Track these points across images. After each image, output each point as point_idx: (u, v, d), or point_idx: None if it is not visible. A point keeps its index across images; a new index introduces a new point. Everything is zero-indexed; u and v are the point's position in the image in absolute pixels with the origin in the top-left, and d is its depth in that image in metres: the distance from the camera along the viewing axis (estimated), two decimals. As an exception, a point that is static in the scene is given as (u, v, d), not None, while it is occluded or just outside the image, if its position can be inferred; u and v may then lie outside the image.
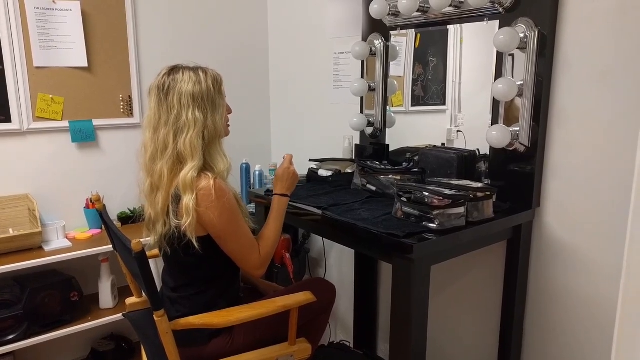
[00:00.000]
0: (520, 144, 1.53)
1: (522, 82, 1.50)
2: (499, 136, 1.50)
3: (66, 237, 2.06)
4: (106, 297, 2.09)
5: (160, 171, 1.35)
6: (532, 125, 1.51)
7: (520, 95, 1.50)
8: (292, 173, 1.53)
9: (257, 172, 2.45)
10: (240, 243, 1.39)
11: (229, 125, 1.47)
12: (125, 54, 2.23)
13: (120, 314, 1.90)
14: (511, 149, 1.56)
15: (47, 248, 1.94)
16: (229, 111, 1.46)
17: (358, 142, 2.13)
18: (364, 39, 2.01)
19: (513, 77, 1.52)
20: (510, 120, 1.55)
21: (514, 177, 1.57)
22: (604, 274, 1.46)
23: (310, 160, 2.04)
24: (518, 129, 1.53)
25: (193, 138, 1.32)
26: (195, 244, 1.32)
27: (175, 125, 1.33)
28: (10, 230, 1.98)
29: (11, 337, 1.80)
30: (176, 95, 1.33)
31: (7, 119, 1.99)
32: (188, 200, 1.29)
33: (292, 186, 1.54)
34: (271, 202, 1.52)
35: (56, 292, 1.92)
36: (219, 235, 1.36)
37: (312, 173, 1.97)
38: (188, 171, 1.31)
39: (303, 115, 2.55)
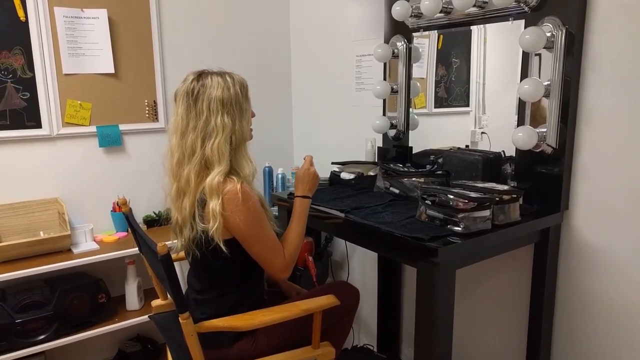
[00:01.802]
0: (548, 145, 1.50)
1: (549, 82, 1.46)
2: (526, 138, 1.47)
3: (94, 239, 2.11)
4: (132, 299, 2.13)
5: (187, 176, 1.37)
6: (560, 126, 1.47)
7: (547, 95, 1.47)
8: (313, 174, 1.54)
9: (280, 175, 2.46)
10: (266, 246, 1.40)
11: (251, 130, 1.48)
12: (150, 60, 2.27)
13: (146, 316, 1.94)
14: (538, 150, 1.52)
15: (75, 250, 1.98)
16: (253, 115, 1.47)
17: (381, 145, 2.12)
18: (386, 41, 2.00)
19: (539, 77, 1.49)
20: (536, 121, 1.52)
21: (541, 180, 1.54)
22: (638, 278, 1.42)
23: (333, 163, 2.04)
24: (545, 130, 1.49)
25: (221, 143, 1.34)
26: (224, 248, 1.33)
27: (203, 130, 1.35)
28: (41, 233, 2.04)
29: (42, 337, 1.85)
30: (205, 100, 1.35)
31: (38, 124, 2.05)
32: (214, 204, 1.31)
33: (313, 187, 1.54)
34: (293, 204, 1.53)
35: (84, 294, 1.96)
36: (244, 238, 1.37)
37: (335, 176, 1.97)
38: (215, 176, 1.32)
39: (325, 118, 2.55)
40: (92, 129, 2.17)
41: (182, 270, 2.02)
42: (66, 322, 1.91)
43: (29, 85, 2.01)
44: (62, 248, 1.97)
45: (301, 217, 1.50)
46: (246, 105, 1.41)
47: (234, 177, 1.35)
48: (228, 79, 1.38)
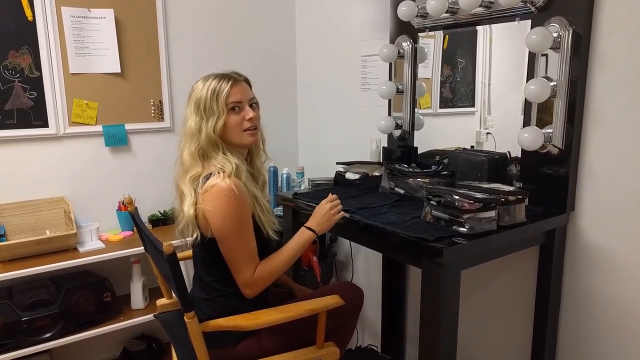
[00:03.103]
0: (554, 146, 1.49)
1: (555, 83, 1.46)
2: (531, 138, 1.47)
3: (99, 238, 2.12)
4: (137, 298, 2.14)
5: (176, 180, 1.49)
6: (566, 127, 1.47)
7: (553, 96, 1.46)
8: (327, 210, 1.50)
9: (285, 175, 2.46)
10: (236, 252, 1.38)
11: (247, 131, 1.46)
12: (156, 60, 2.28)
13: (151, 315, 1.94)
14: (544, 151, 1.52)
15: (81, 249, 1.99)
16: (246, 117, 1.44)
17: (386, 145, 2.12)
18: (392, 41, 1.99)
19: (546, 78, 1.48)
20: (542, 122, 1.52)
21: (546, 180, 1.53)
22: (643, 280, 1.41)
23: (338, 163, 2.04)
24: (551, 131, 1.49)
25: (192, 145, 1.42)
26: (196, 234, 1.39)
27: (183, 133, 1.46)
28: (47, 232, 2.05)
29: (48, 335, 1.86)
30: (188, 105, 1.46)
31: (45, 124, 2.06)
32: (188, 200, 1.38)
33: (323, 224, 1.49)
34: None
35: (90, 292, 1.97)
36: (219, 238, 1.38)
37: (339, 176, 1.97)
38: (187, 176, 1.40)
39: (330, 118, 2.55)
40: (98, 128, 2.18)
41: (187, 269, 2.03)
42: (72, 321, 1.91)
43: (36, 84, 2.02)
44: (68, 247, 1.98)
45: (296, 247, 1.47)
46: (216, 107, 1.41)
47: (221, 173, 1.37)
48: (201, 81, 1.44)
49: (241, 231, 1.37)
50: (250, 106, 1.46)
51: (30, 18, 1.98)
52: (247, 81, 1.50)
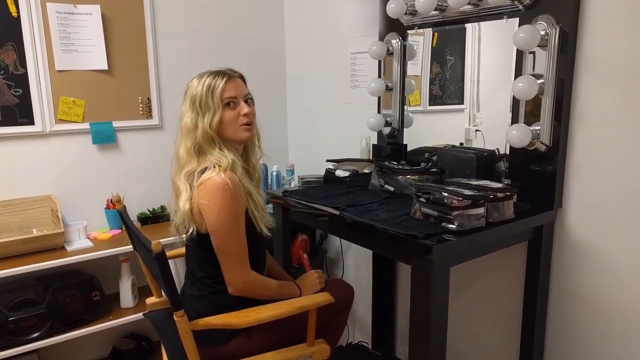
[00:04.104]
0: (541, 143, 1.51)
1: (543, 81, 1.47)
2: (519, 135, 1.48)
3: (87, 237, 2.10)
4: (127, 297, 2.12)
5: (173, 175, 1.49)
6: (554, 124, 1.48)
7: (541, 93, 1.48)
8: (313, 278, 1.60)
9: (275, 173, 2.46)
10: (228, 246, 1.38)
11: (243, 126, 1.46)
12: (144, 57, 2.26)
13: (141, 314, 1.93)
14: (532, 148, 1.53)
15: (69, 248, 1.97)
16: (242, 112, 1.45)
17: (375, 142, 2.12)
18: (381, 39, 2.00)
19: (533, 76, 1.49)
20: (530, 119, 1.53)
21: (534, 177, 1.55)
22: (632, 277, 1.43)
23: (327, 160, 2.04)
24: (539, 128, 1.50)
25: (188, 141, 1.43)
26: (191, 229, 1.39)
27: (179, 129, 1.47)
28: (34, 231, 2.03)
29: (35, 335, 1.84)
30: (184, 102, 1.46)
31: (31, 121, 2.03)
32: (184, 195, 1.38)
33: (308, 288, 1.57)
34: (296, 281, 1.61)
35: (78, 292, 1.95)
36: (212, 230, 1.38)
37: (329, 173, 1.97)
38: (183, 172, 1.41)
39: (320, 116, 2.55)
40: (86, 125, 2.16)
41: (176, 267, 2.02)
42: (60, 320, 1.90)
43: (21, 81, 1.99)
44: (55, 245, 1.96)
45: (283, 290, 1.50)
46: (212, 103, 1.42)
47: (217, 167, 1.37)
48: (201, 78, 1.44)
49: (234, 225, 1.38)
50: (246, 102, 1.47)
51: (14, 14, 1.95)
52: (241, 77, 1.51)
